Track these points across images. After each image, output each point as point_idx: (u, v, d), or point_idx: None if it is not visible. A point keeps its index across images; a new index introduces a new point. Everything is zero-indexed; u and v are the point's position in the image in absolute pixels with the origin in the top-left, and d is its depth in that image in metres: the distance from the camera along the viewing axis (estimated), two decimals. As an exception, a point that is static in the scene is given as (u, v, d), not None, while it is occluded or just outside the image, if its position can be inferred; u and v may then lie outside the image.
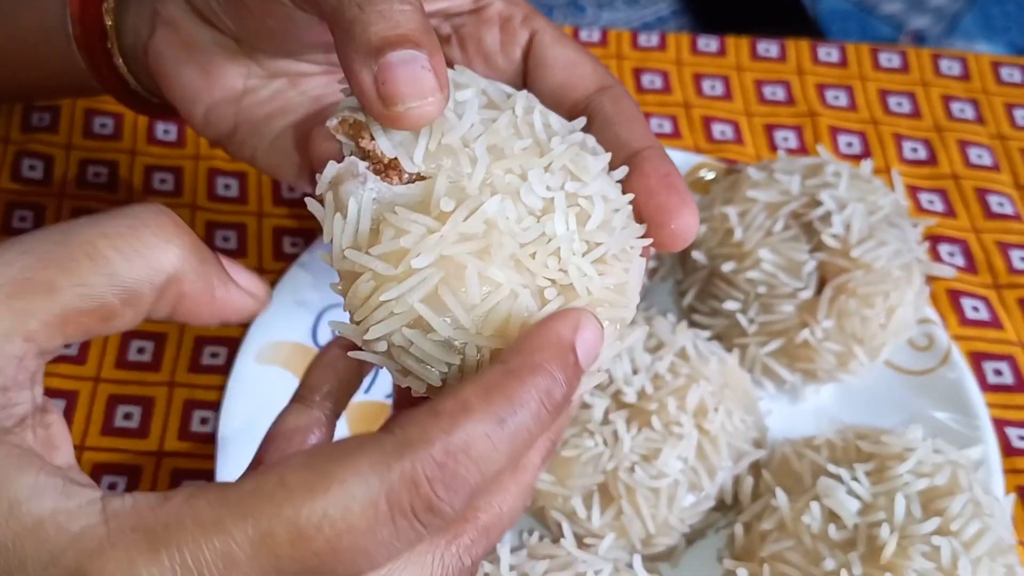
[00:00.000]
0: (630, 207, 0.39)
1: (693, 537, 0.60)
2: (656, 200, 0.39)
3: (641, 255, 0.39)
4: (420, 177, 0.36)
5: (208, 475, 0.63)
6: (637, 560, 0.56)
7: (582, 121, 0.41)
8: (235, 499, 0.29)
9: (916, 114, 0.84)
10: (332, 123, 0.37)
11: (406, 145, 0.36)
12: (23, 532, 0.29)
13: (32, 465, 0.31)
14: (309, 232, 0.75)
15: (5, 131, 0.78)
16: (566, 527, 0.58)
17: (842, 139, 0.82)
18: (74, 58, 0.55)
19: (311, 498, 0.28)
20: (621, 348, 0.38)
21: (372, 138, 0.36)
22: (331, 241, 0.35)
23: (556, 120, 0.40)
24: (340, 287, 0.35)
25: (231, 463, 0.61)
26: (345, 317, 0.37)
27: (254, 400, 0.63)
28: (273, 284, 0.68)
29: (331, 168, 0.35)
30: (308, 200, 0.36)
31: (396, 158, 0.36)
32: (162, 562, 0.28)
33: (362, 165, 0.35)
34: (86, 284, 0.33)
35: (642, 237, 0.39)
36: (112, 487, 0.64)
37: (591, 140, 0.40)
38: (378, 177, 0.35)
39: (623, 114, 0.42)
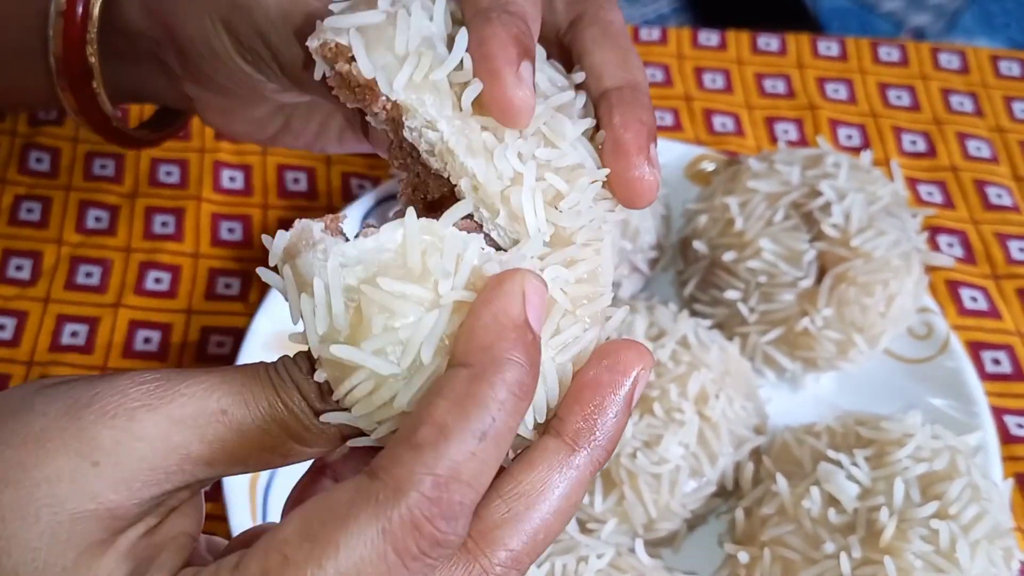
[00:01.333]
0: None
1: (694, 522, 0.61)
2: (618, 167, 0.36)
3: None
4: (396, 107, 0.33)
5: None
6: (639, 544, 0.57)
7: (580, 76, 0.39)
8: None
9: (915, 107, 0.84)
10: (313, 44, 0.34)
11: (388, 70, 0.33)
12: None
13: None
14: (313, 224, 0.75)
15: (12, 124, 0.78)
16: (569, 512, 0.59)
17: (842, 132, 0.82)
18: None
19: (320, 570, 0.29)
20: (608, 331, 0.36)
21: (352, 60, 0.33)
22: (299, 321, 0.32)
23: (547, 78, 0.37)
24: (326, 375, 0.32)
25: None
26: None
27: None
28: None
29: (281, 238, 0.31)
30: (262, 272, 0.33)
31: (374, 79, 0.33)
32: None
33: (317, 228, 0.31)
34: (268, 428, 0.34)
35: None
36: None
37: (580, 100, 0.38)
38: (339, 236, 0.31)
39: (595, 41, 0.40)
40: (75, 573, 0.30)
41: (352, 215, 0.72)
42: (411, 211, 0.31)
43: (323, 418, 0.33)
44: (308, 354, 0.33)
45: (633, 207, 0.37)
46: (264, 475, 0.61)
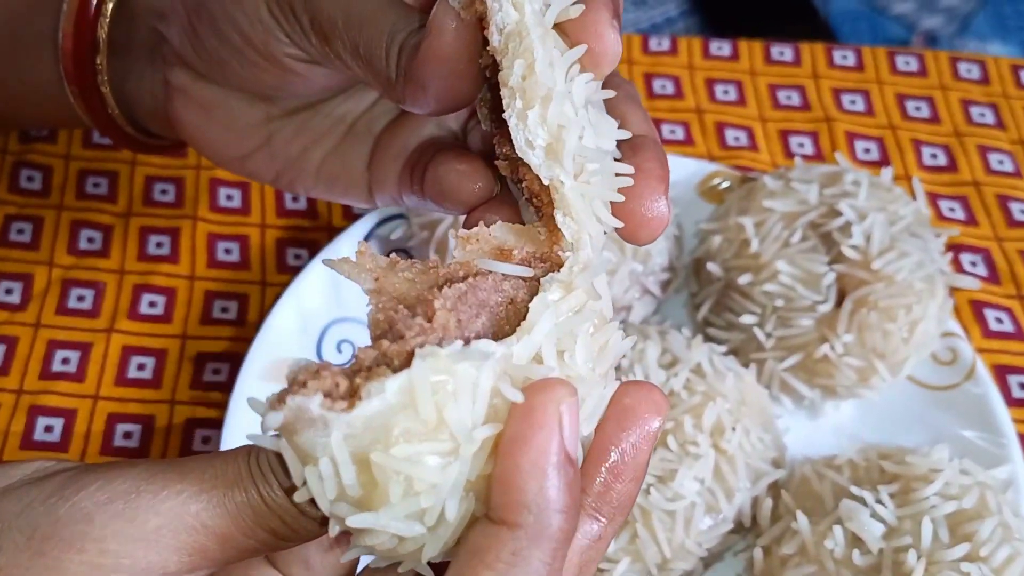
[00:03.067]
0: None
1: (710, 560, 0.58)
2: (634, 197, 0.36)
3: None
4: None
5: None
6: (653, 586, 0.54)
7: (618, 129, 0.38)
8: None
9: (935, 119, 0.82)
10: None
11: None
12: None
13: None
14: (313, 243, 0.73)
15: (3, 142, 0.76)
16: (579, 551, 0.56)
17: (859, 145, 0.80)
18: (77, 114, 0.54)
19: None
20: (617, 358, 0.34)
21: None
22: (304, 483, 0.29)
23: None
24: (340, 529, 0.30)
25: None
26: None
27: (258, 420, 0.61)
28: (276, 297, 0.66)
29: (273, 418, 0.28)
30: (253, 439, 0.29)
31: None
32: None
33: (315, 404, 0.28)
34: (252, 533, 0.31)
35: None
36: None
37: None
38: (339, 406, 0.28)
39: (620, 100, 0.40)
40: None
41: (353, 235, 0.69)
42: (419, 361, 0.28)
43: (342, 559, 0.31)
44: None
45: (637, 241, 0.36)
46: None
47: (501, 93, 0.34)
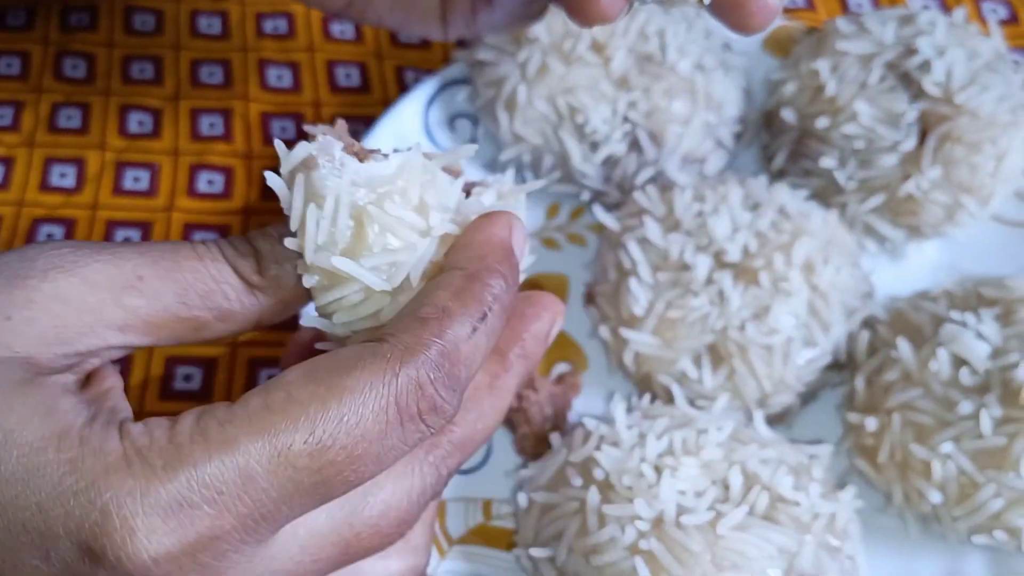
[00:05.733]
0: None
1: (806, 397, 0.57)
2: None
3: None
4: None
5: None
6: (759, 416, 0.53)
7: None
8: (244, 417, 0.29)
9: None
10: None
11: None
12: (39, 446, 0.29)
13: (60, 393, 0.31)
14: (369, 119, 0.71)
15: (44, 32, 0.74)
16: (676, 390, 0.55)
17: None
18: None
19: (324, 409, 0.29)
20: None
21: None
22: (297, 228, 0.32)
23: None
24: (317, 283, 0.33)
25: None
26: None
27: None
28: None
29: (301, 149, 0.32)
30: (270, 176, 0.33)
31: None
32: (179, 480, 0.28)
33: (338, 148, 0.32)
34: (187, 298, 0.33)
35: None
36: (189, 380, 0.61)
37: None
38: (356, 158, 0.33)
39: None
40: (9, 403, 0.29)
41: (414, 100, 0.67)
42: (417, 147, 0.34)
43: (302, 322, 0.34)
44: (247, 239, 0.34)
45: (747, 27, 0.41)
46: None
47: None
